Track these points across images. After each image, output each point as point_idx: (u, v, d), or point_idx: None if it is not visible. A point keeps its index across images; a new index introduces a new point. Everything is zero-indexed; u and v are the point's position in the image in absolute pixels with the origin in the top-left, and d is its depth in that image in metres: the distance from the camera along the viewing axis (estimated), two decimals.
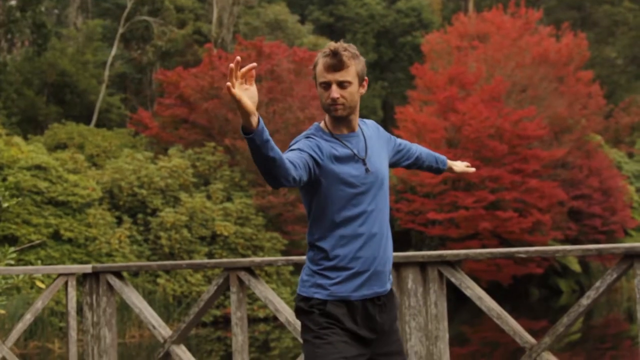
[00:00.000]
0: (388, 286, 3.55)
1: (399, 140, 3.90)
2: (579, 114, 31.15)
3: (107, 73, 34.04)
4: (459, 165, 4.26)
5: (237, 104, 2.99)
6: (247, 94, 3.03)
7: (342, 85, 3.42)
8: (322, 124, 3.55)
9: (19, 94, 31.63)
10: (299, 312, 3.55)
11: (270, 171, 3.10)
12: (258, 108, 21.30)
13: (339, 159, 3.41)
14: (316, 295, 3.45)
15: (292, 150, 3.35)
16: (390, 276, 3.58)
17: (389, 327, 3.55)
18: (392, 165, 3.81)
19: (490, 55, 29.84)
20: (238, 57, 2.99)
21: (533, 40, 30.39)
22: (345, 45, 3.45)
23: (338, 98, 3.41)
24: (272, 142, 3.06)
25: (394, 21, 41.40)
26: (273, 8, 37.93)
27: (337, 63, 3.40)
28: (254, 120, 3.00)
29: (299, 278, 3.58)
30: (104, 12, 39.22)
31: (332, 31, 40.87)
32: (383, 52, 41.38)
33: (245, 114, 2.99)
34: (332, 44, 3.44)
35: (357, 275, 3.43)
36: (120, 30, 35.39)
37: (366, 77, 3.54)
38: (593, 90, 32.04)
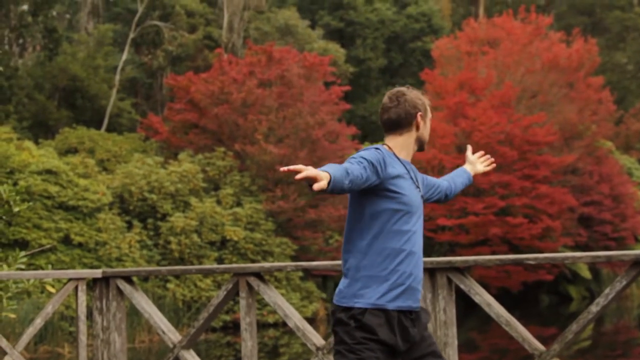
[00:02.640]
0: (419, 304, 3.80)
1: (429, 178, 4.22)
2: (589, 120, 31.06)
3: (117, 78, 34.14)
4: (477, 166, 4.69)
5: (307, 178, 3.20)
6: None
7: None
8: (385, 147, 3.88)
9: (30, 98, 31.75)
10: (337, 323, 3.70)
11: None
12: (268, 113, 21.26)
13: (400, 177, 3.74)
14: (357, 305, 3.66)
15: (355, 158, 3.60)
16: (420, 294, 3.83)
17: (420, 338, 3.77)
18: (424, 200, 4.08)
19: (501, 61, 29.79)
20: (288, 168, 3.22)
21: (543, 45, 30.33)
22: None
23: None
24: (346, 179, 3.36)
25: (404, 26, 41.39)
26: (283, 13, 37.97)
27: None
28: (327, 176, 3.24)
29: (337, 289, 3.77)
30: (115, 17, 39.35)
31: (342, 36, 40.89)
32: (393, 57, 41.38)
33: (316, 180, 3.21)
34: None
35: (394, 287, 3.67)
36: (131, 35, 35.50)
37: None
38: (603, 96, 31.95)
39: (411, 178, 3.81)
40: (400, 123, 3.86)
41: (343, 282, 3.75)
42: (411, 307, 3.71)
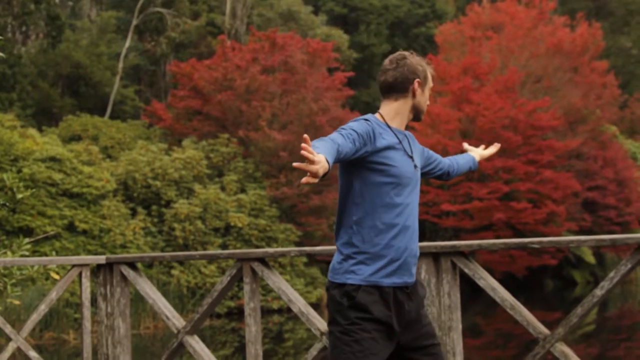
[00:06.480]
0: (415, 278, 3.68)
1: (430, 152, 4.07)
2: (594, 105, 31.01)
3: (121, 65, 34.10)
4: (480, 152, 4.51)
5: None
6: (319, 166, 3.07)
7: None
8: (377, 115, 3.71)
9: (33, 86, 31.74)
10: (330, 301, 3.60)
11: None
12: (272, 99, 21.27)
13: (390, 148, 3.57)
14: (349, 281, 3.53)
15: (345, 129, 3.45)
16: (415, 268, 3.70)
17: (416, 315, 3.66)
18: (424, 175, 3.95)
19: (505, 46, 29.72)
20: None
21: (547, 30, 30.25)
22: None
23: None
24: (335, 156, 3.22)
25: (408, 12, 41.29)
26: None
27: None
28: (325, 167, 3.10)
29: (330, 265, 3.65)
30: (118, 4, 39.26)
31: (345, 22, 40.80)
32: (397, 42, 41.24)
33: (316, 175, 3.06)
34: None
35: (389, 263, 3.55)
36: (134, 22, 35.44)
37: None
38: (608, 80, 31.88)
39: (403, 148, 3.63)
40: (396, 87, 3.69)
41: (336, 258, 3.63)
42: (406, 283, 3.59)
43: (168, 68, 34.36)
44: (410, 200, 3.64)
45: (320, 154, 3.09)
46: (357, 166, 3.52)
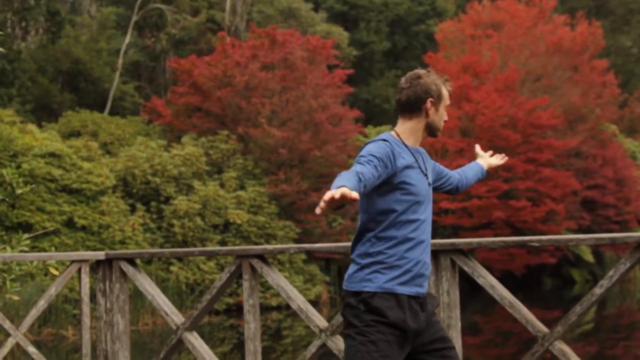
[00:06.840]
0: (426, 290, 3.79)
1: (441, 167, 4.15)
2: (593, 103, 31.00)
3: (120, 61, 34.07)
4: (489, 160, 4.61)
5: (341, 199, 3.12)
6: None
7: None
8: (393, 133, 3.80)
9: (33, 81, 31.71)
10: (346, 307, 3.71)
11: None
12: (271, 96, 21.30)
13: (408, 167, 3.70)
14: (365, 289, 3.65)
15: (364, 157, 3.51)
16: (427, 281, 3.82)
17: (427, 324, 3.76)
18: (434, 189, 4.04)
19: (504, 44, 29.70)
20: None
21: (547, 28, 30.23)
22: None
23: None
24: (361, 186, 3.32)
25: (408, 9, 41.24)
26: None
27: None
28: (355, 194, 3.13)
29: (345, 275, 3.76)
30: (118, 0, 39.23)
31: (345, 19, 40.76)
32: (397, 40, 41.24)
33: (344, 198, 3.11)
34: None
35: (403, 273, 3.67)
36: (134, 18, 35.40)
37: None
38: (607, 79, 31.86)
39: (419, 167, 3.75)
40: (410, 106, 3.76)
41: (352, 268, 3.74)
42: (418, 293, 3.71)
43: (168, 64, 34.34)
44: (426, 216, 3.77)
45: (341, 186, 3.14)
46: (377, 186, 3.60)
